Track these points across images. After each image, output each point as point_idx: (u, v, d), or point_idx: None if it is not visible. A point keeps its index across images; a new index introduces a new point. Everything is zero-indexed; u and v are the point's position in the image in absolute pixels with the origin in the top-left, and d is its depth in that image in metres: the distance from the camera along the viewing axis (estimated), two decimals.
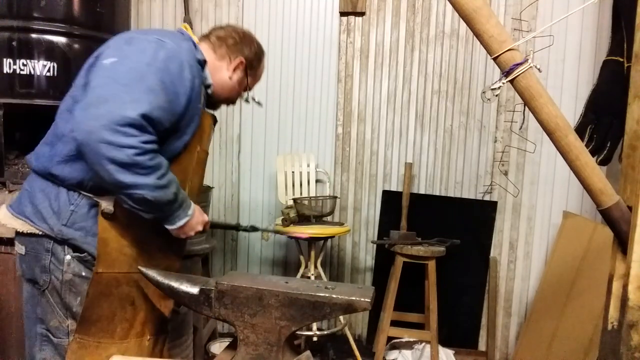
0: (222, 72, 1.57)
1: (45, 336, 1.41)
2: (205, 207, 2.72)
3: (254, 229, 1.88)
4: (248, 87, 1.65)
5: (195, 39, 1.54)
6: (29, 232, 1.37)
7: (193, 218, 1.42)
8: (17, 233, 1.40)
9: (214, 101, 1.62)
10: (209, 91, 1.55)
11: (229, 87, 1.60)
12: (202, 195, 2.58)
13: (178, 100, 1.32)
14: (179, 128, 1.36)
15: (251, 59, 1.61)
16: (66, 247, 1.36)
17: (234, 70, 1.58)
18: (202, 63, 1.48)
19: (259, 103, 1.71)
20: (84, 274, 1.38)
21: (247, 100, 1.69)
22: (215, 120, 1.63)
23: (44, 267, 1.37)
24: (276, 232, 2.56)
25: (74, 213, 1.35)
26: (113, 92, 1.20)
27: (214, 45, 1.58)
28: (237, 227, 1.89)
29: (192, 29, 3.22)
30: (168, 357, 1.60)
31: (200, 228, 1.47)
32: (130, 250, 1.40)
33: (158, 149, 1.26)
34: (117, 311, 1.40)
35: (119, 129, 1.16)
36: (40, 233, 1.36)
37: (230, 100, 1.67)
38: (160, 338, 1.55)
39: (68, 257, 1.36)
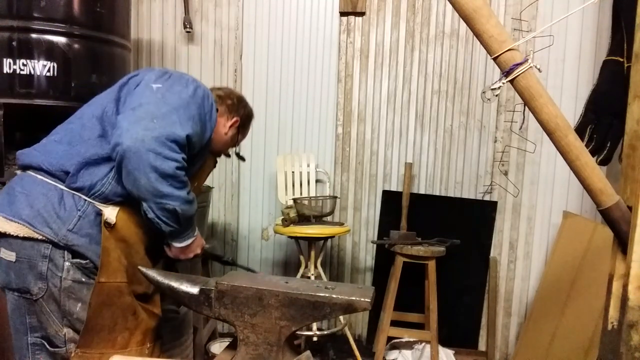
0: (219, 126, 1.68)
1: (38, 345, 1.38)
2: (205, 208, 2.72)
3: (234, 262, 2.03)
4: (237, 143, 1.83)
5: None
6: (25, 236, 1.31)
7: (196, 240, 1.57)
8: (4, 237, 1.33)
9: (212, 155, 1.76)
10: None
11: (223, 141, 1.75)
12: (202, 195, 2.58)
13: (205, 134, 1.49)
14: (192, 159, 1.48)
15: (244, 119, 1.78)
16: (66, 252, 1.33)
17: (230, 127, 1.73)
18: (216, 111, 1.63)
19: (242, 158, 1.96)
20: (83, 280, 1.35)
21: (228, 155, 1.88)
22: (215, 163, 1.80)
23: (40, 274, 1.32)
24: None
25: (82, 219, 1.33)
26: (164, 112, 1.34)
27: (217, 103, 1.70)
28: (221, 260, 2.00)
29: (192, 28, 3.23)
30: (167, 357, 1.61)
31: (198, 251, 1.61)
32: (131, 261, 1.43)
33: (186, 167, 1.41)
34: (118, 320, 1.38)
35: (168, 143, 1.30)
36: (40, 238, 1.31)
37: (220, 153, 1.80)
38: (157, 343, 1.55)
39: (67, 263, 1.33)
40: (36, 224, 1.31)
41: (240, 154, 1.93)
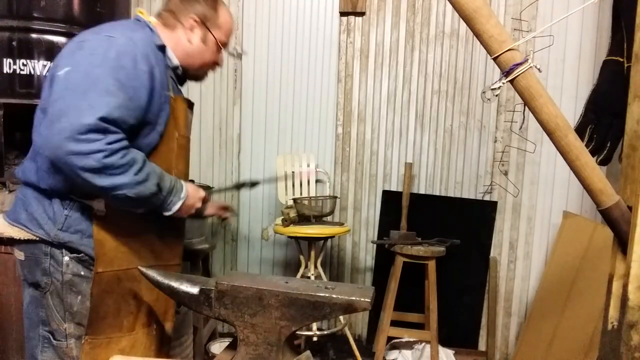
0: (181, 41, 1.51)
1: (46, 338, 1.43)
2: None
3: (254, 184, 1.89)
4: (220, 43, 1.55)
5: (153, 22, 1.51)
6: (25, 239, 1.39)
7: (188, 199, 1.44)
8: (15, 240, 1.41)
9: (192, 75, 1.60)
10: (179, 71, 1.54)
11: (195, 52, 1.53)
12: None
13: (139, 94, 1.32)
14: (149, 120, 1.37)
15: (203, 12, 1.52)
16: (64, 249, 1.38)
17: (191, 31, 1.51)
18: (162, 47, 1.46)
19: (240, 54, 1.71)
20: (82, 273, 1.40)
21: (232, 55, 1.70)
22: (190, 104, 1.61)
23: (45, 270, 1.39)
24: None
25: (69, 217, 1.38)
26: (70, 103, 1.22)
27: (165, 20, 1.52)
28: (237, 186, 1.89)
29: None
30: (167, 357, 1.61)
31: (199, 205, 1.49)
32: (127, 248, 1.42)
33: (127, 145, 1.28)
34: (121, 305, 1.43)
35: (81, 137, 1.19)
36: (37, 239, 1.38)
37: (208, 66, 1.59)
38: (164, 328, 1.58)
39: (66, 258, 1.39)
40: (31, 227, 1.39)
41: (239, 49, 1.68)
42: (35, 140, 1.40)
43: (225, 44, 1.59)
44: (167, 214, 1.41)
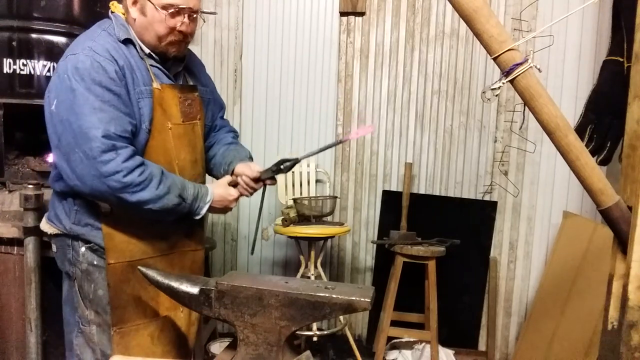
0: (131, 22, 1.45)
1: (78, 324, 1.52)
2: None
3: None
4: (160, 6, 1.38)
5: (123, 15, 1.48)
6: (54, 232, 1.52)
7: (215, 202, 1.51)
8: (50, 235, 1.56)
9: (161, 54, 1.47)
10: (155, 57, 1.47)
11: (142, 27, 1.43)
12: None
13: (122, 99, 1.35)
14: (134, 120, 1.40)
15: None
16: (80, 241, 1.48)
17: (134, 6, 1.43)
18: (127, 40, 1.42)
19: (212, 13, 1.65)
20: (95, 262, 1.47)
21: (204, 20, 1.51)
22: (191, 87, 1.57)
23: (70, 260, 1.51)
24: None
25: (78, 212, 1.47)
26: (75, 133, 1.29)
27: (124, 9, 1.47)
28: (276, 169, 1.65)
29: None
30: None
31: (231, 204, 1.56)
32: (138, 239, 1.48)
33: (142, 161, 1.34)
34: (140, 293, 1.49)
35: (98, 160, 1.27)
36: (61, 232, 1.51)
37: (166, 37, 1.43)
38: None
39: (83, 249, 1.48)
40: (56, 222, 1.52)
41: (206, 12, 1.52)
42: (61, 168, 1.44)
43: (171, 6, 1.39)
44: (197, 217, 1.49)
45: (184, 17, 1.42)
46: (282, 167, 1.54)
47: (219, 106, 1.82)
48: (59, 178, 1.45)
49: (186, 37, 1.47)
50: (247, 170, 1.59)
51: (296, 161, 1.54)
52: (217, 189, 1.53)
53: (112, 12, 1.52)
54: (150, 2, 1.39)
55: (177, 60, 1.56)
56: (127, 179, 1.30)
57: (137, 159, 1.33)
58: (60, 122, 1.32)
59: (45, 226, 1.56)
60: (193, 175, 1.57)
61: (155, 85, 1.44)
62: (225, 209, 1.57)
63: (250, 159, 1.71)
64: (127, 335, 1.46)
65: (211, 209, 1.52)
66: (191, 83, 1.62)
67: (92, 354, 1.49)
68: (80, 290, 1.50)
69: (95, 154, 1.27)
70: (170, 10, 1.39)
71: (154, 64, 1.47)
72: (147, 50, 1.46)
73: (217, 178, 1.70)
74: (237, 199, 1.58)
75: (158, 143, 1.46)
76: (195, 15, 1.46)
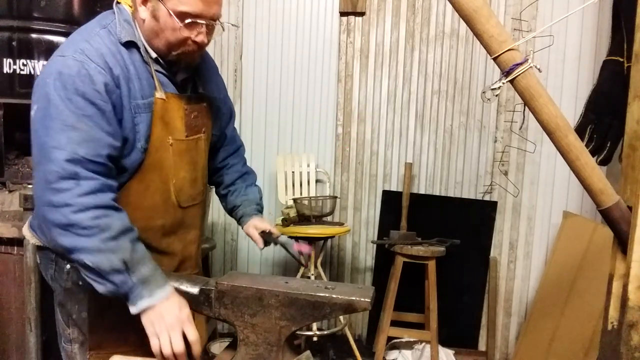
0: (140, 23, 1.24)
1: (62, 339, 1.44)
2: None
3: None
4: (176, 14, 1.18)
5: (130, 8, 1.27)
6: (37, 244, 1.37)
7: (162, 306, 1.14)
8: (33, 245, 1.43)
9: (169, 62, 1.29)
10: (161, 61, 1.28)
11: (150, 32, 1.22)
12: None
13: (106, 116, 1.15)
14: (126, 137, 1.22)
15: None
16: (65, 259, 1.33)
17: (144, 6, 1.21)
18: (130, 43, 1.23)
19: (234, 25, 1.46)
20: (80, 283, 1.33)
21: (223, 28, 1.29)
22: (198, 97, 1.39)
23: (51, 276, 1.37)
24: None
25: None
26: (39, 147, 1.12)
27: (133, 3, 1.25)
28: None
29: None
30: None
31: (174, 330, 1.14)
32: None
33: (106, 205, 1.12)
34: (125, 319, 1.32)
35: (52, 186, 1.08)
36: (43, 245, 1.35)
37: (177, 46, 1.24)
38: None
39: (68, 266, 1.34)
40: (39, 233, 1.34)
41: (228, 23, 1.30)
42: None
43: (189, 15, 1.18)
44: (132, 309, 1.15)
45: (202, 27, 1.22)
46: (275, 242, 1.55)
47: (229, 114, 1.64)
48: None
49: (201, 47, 1.27)
50: (254, 232, 1.57)
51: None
52: (176, 297, 1.18)
53: (117, 2, 1.29)
54: (164, 6, 1.17)
55: (187, 65, 1.36)
56: (74, 217, 1.07)
57: (100, 198, 1.11)
58: (33, 132, 1.14)
59: (27, 233, 1.39)
60: (191, 195, 1.42)
61: (159, 94, 1.26)
62: (162, 330, 1.14)
63: (260, 201, 1.64)
64: None
65: (147, 314, 1.15)
66: (200, 90, 1.42)
67: None
68: (61, 308, 1.38)
69: (52, 179, 1.08)
70: (187, 20, 1.18)
71: (160, 69, 1.29)
72: (154, 55, 1.27)
73: (220, 195, 1.68)
74: (175, 336, 1.15)
75: (154, 161, 1.28)
76: (214, 24, 1.25)
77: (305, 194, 3.10)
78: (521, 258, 3.15)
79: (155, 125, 1.26)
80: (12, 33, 2.24)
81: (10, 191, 2.24)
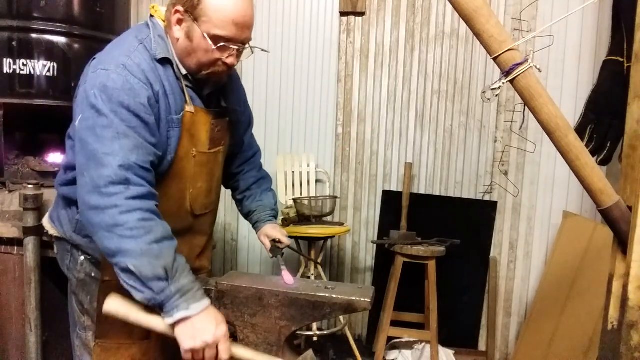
0: (174, 41, 1.29)
1: (76, 327, 1.49)
2: None
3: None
4: (210, 37, 1.23)
5: (163, 22, 1.33)
6: (55, 235, 1.46)
7: (198, 320, 1.14)
8: (50, 235, 1.50)
9: (198, 80, 1.35)
10: (190, 77, 1.34)
11: (183, 51, 1.28)
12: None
13: (149, 128, 1.20)
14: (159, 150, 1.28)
15: (184, 1, 1.24)
16: (80, 250, 1.43)
17: (179, 25, 1.26)
18: (165, 60, 1.28)
19: (264, 50, 1.46)
20: (93, 274, 1.43)
21: (252, 51, 1.37)
22: (222, 112, 1.45)
23: (67, 266, 1.46)
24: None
25: (80, 222, 1.37)
26: (88, 154, 1.15)
27: (166, 18, 1.31)
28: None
29: None
30: None
31: (209, 346, 1.14)
32: None
33: (151, 209, 1.16)
34: None
35: (102, 191, 1.12)
36: (60, 236, 1.45)
37: (208, 66, 1.29)
38: None
39: (82, 258, 1.42)
40: (57, 225, 1.45)
41: (258, 47, 1.37)
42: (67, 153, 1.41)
43: (222, 39, 1.24)
44: (167, 320, 1.15)
45: (233, 50, 1.28)
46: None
47: (248, 122, 1.72)
48: (66, 183, 1.38)
49: (230, 68, 1.33)
50: (265, 241, 1.59)
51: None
52: (214, 311, 1.18)
53: (151, 15, 1.35)
54: (199, 28, 1.23)
55: (214, 84, 1.41)
56: (122, 218, 1.10)
57: (146, 203, 1.14)
58: (80, 140, 1.18)
59: (47, 224, 1.49)
60: (205, 205, 1.47)
61: (189, 108, 1.31)
62: (197, 342, 1.14)
63: (275, 206, 1.69)
64: (107, 351, 1.38)
65: (182, 326, 1.15)
66: (223, 104, 1.47)
67: (89, 358, 1.46)
68: (75, 297, 1.46)
69: (101, 183, 1.12)
70: (220, 44, 1.24)
71: (189, 84, 1.34)
72: (184, 72, 1.32)
73: (236, 200, 1.75)
74: (209, 352, 1.16)
75: (176, 170, 1.33)
76: (244, 48, 1.32)
77: (305, 194, 3.10)
78: (521, 258, 3.15)
79: (183, 137, 1.31)
80: (12, 33, 2.24)
81: (10, 191, 2.24)
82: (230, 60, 1.29)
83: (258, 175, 1.74)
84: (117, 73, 1.19)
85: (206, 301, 1.17)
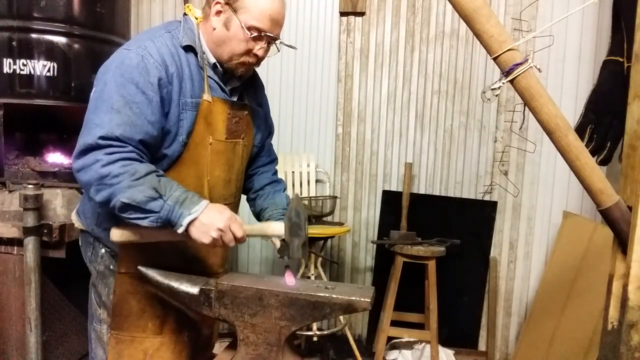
0: (208, 31, 1.40)
1: (92, 319, 1.53)
2: None
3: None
4: (247, 27, 1.34)
5: (198, 19, 1.44)
6: (80, 227, 1.52)
7: (204, 215, 1.23)
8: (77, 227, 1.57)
9: (226, 70, 1.43)
10: (220, 68, 1.43)
11: (219, 39, 1.38)
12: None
13: (152, 105, 1.28)
14: (169, 129, 1.34)
15: None
16: (101, 243, 1.47)
17: (217, 16, 1.37)
18: (189, 47, 1.37)
19: (292, 47, 1.53)
20: (112, 267, 1.46)
21: (278, 49, 1.46)
22: (242, 105, 1.51)
23: (89, 258, 1.51)
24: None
25: (100, 215, 1.44)
26: (85, 124, 1.26)
27: (204, 12, 1.43)
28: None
29: None
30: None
31: (216, 231, 1.23)
32: (154, 253, 1.40)
33: (132, 158, 1.24)
34: (146, 308, 1.45)
35: (85, 154, 1.22)
36: (84, 228, 1.50)
37: (239, 56, 1.39)
38: (202, 335, 1.58)
39: (102, 250, 1.47)
40: (82, 218, 1.50)
41: (285, 43, 1.46)
42: None
43: (257, 30, 1.35)
44: (179, 230, 1.24)
45: (265, 42, 1.39)
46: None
47: (269, 131, 1.78)
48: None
49: (258, 61, 1.44)
50: (275, 239, 1.58)
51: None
52: (214, 205, 1.28)
53: (185, 14, 1.46)
54: (238, 18, 1.34)
55: (240, 76, 1.49)
56: (105, 170, 1.19)
57: (126, 154, 1.23)
58: (87, 109, 1.29)
59: (74, 217, 1.56)
60: (223, 195, 1.51)
61: (206, 97, 1.38)
62: (211, 234, 1.24)
63: (287, 206, 1.67)
64: (121, 342, 1.43)
65: (194, 227, 1.24)
66: (245, 101, 1.56)
67: (103, 352, 1.48)
68: (94, 289, 1.50)
69: (85, 149, 1.22)
70: (254, 34, 1.35)
71: (212, 75, 1.42)
72: (213, 60, 1.41)
73: (249, 200, 1.78)
74: (226, 236, 1.26)
75: (192, 156, 1.40)
76: (273, 43, 1.43)
77: (305, 194, 3.10)
78: (521, 258, 3.15)
79: (198, 123, 1.38)
80: (12, 33, 2.24)
81: (10, 191, 2.24)
82: (260, 52, 1.40)
83: (272, 177, 1.78)
84: (136, 53, 1.28)
85: (204, 201, 1.26)
